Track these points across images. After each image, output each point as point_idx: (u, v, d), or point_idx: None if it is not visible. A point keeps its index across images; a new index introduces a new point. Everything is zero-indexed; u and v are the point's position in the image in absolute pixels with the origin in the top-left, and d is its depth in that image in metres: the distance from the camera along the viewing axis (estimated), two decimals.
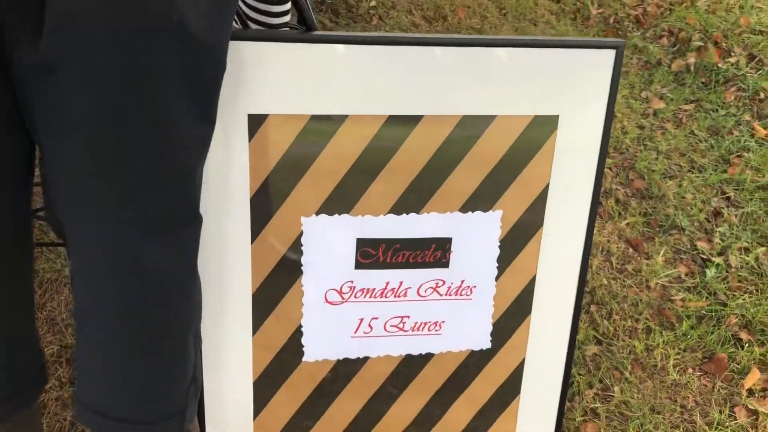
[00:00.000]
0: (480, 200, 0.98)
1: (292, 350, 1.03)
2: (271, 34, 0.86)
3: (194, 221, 0.81)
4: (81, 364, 0.85)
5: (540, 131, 0.96)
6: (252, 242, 0.96)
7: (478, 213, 0.99)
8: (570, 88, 0.95)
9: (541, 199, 1.00)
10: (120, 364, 0.82)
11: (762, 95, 2.35)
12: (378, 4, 2.33)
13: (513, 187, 0.98)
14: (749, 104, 2.32)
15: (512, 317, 1.06)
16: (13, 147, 0.78)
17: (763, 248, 1.68)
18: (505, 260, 1.02)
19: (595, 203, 1.01)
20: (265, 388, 1.04)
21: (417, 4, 2.42)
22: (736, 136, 2.13)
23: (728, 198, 1.87)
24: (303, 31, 0.87)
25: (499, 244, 1.01)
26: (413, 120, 0.93)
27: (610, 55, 0.94)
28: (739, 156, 2.04)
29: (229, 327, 1.00)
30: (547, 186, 0.99)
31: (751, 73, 2.48)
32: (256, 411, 1.05)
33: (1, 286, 0.83)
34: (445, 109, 0.93)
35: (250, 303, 0.99)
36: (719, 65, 2.52)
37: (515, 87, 0.93)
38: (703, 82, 2.45)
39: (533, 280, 1.04)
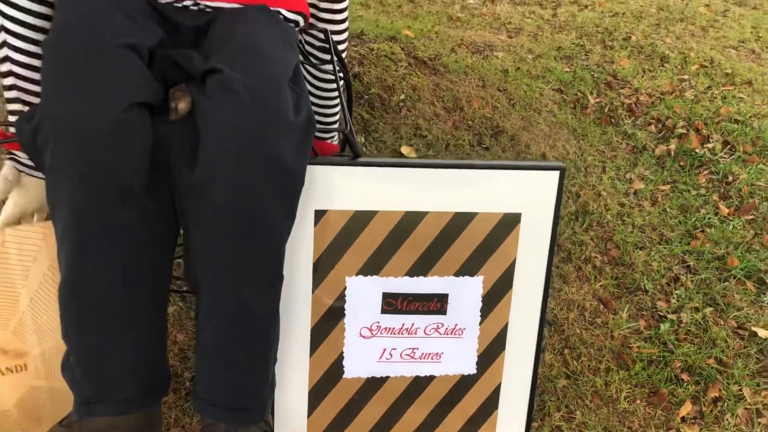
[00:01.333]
0: (468, 269, 1.39)
1: (336, 370, 1.38)
2: (331, 160, 1.31)
3: (280, 280, 1.15)
4: (201, 370, 1.14)
5: (508, 223, 1.39)
6: (312, 293, 1.37)
7: (467, 277, 1.40)
8: (529, 195, 1.37)
9: (510, 269, 1.42)
10: (231, 371, 1.12)
11: (730, 178, 2.69)
12: (406, 98, 2.72)
13: (491, 260, 1.41)
14: (718, 185, 2.65)
15: (492, 351, 1.42)
16: (167, 230, 1.15)
17: (711, 308, 2.07)
18: (486, 310, 1.41)
19: (549, 272, 1.44)
20: (316, 396, 1.40)
21: (438, 97, 2.86)
22: (703, 214, 2.48)
23: (688, 266, 2.26)
24: (351, 157, 1.32)
25: (481, 299, 1.42)
26: (422, 214, 1.36)
27: (556, 174, 1.38)
28: (702, 231, 2.41)
29: (294, 351, 1.36)
30: (515, 260, 1.42)
31: (724, 158, 2.79)
32: (309, 412, 1.42)
33: (151, 319, 1.12)
34: (443, 207, 1.35)
35: (308, 335, 1.36)
36: (697, 150, 2.83)
37: (491, 193, 1.35)
38: (681, 165, 2.79)
39: (507, 325, 1.44)
